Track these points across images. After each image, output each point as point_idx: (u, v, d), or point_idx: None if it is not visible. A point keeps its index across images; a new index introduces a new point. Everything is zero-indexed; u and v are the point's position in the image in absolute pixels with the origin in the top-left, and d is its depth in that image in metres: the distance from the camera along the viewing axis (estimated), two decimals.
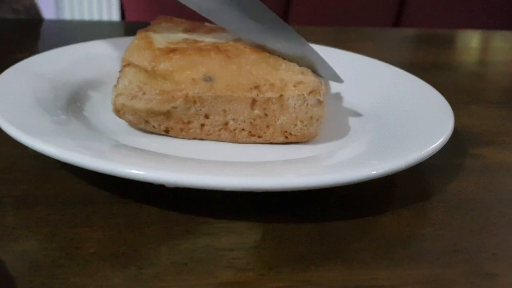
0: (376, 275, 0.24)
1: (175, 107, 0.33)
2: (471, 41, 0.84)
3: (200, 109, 0.34)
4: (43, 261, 0.24)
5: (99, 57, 0.45)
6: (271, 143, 0.35)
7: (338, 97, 0.44)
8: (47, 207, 0.28)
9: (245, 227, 0.27)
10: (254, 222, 0.28)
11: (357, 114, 0.40)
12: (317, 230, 0.28)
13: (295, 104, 0.34)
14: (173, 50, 0.35)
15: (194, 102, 0.34)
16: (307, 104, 0.34)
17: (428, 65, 0.64)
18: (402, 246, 0.27)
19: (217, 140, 0.35)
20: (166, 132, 0.35)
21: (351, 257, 0.26)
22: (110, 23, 1.00)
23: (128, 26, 0.79)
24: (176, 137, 0.35)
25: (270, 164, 0.31)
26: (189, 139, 0.35)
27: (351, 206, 0.30)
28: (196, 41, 0.37)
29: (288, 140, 0.35)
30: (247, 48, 0.36)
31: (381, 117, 0.38)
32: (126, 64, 0.35)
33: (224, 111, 0.34)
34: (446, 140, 0.32)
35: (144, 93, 0.33)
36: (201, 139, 0.35)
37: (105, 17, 1.78)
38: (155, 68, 0.34)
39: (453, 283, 0.24)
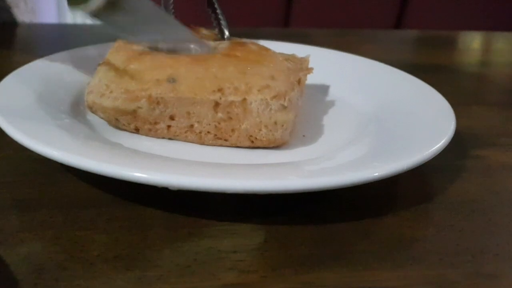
0: (379, 276, 0.25)
1: (140, 107, 0.34)
2: (472, 42, 0.84)
3: (164, 110, 0.34)
4: (47, 264, 0.24)
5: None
6: (238, 146, 0.35)
7: (339, 99, 0.44)
8: (51, 210, 0.28)
9: (248, 229, 0.28)
10: (257, 224, 0.28)
11: (358, 116, 0.40)
12: (320, 232, 0.28)
13: (258, 109, 0.33)
14: (146, 52, 0.36)
15: (158, 103, 0.34)
16: (270, 109, 0.33)
17: (429, 67, 0.64)
18: (404, 247, 0.27)
19: (185, 141, 0.35)
20: (137, 131, 0.35)
21: (354, 259, 0.26)
22: None
23: None
24: (146, 136, 0.35)
25: (273, 166, 0.32)
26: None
27: (353, 208, 0.30)
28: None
29: (255, 145, 0.34)
30: (220, 52, 0.35)
31: (382, 118, 0.38)
32: (101, 63, 0.36)
33: (188, 113, 0.34)
34: (448, 141, 0.32)
35: (111, 92, 0.34)
36: (170, 139, 0.35)
37: None
38: (127, 68, 0.35)
39: (456, 284, 0.24)
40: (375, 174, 0.27)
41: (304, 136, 0.37)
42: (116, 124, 0.35)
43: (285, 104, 0.33)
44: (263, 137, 0.34)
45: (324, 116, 0.41)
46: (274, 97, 0.33)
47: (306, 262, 0.25)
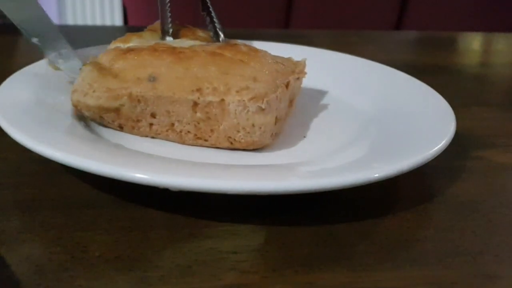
0: (379, 277, 0.25)
1: (122, 105, 0.34)
2: (472, 43, 0.84)
3: (145, 108, 0.34)
4: (49, 264, 0.24)
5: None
6: (217, 147, 0.35)
7: (339, 100, 0.44)
8: (52, 211, 0.28)
9: (248, 230, 0.28)
10: (257, 225, 0.28)
11: (359, 117, 0.41)
12: (320, 232, 0.28)
13: (235, 110, 0.33)
14: (130, 50, 0.36)
15: (139, 101, 0.34)
16: (248, 111, 0.33)
17: (430, 68, 0.64)
18: (404, 248, 0.27)
19: (167, 140, 0.35)
20: (121, 128, 0.36)
21: (354, 260, 0.26)
22: (113, 28, 1.00)
23: (131, 30, 0.79)
24: (130, 133, 0.36)
25: (273, 167, 0.32)
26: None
27: (353, 209, 0.30)
28: (160, 44, 0.37)
29: (234, 146, 0.34)
30: (204, 52, 0.35)
31: (382, 119, 0.38)
32: (86, 63, 0.36)
33: (168, 112, 0.34)
34: (448, 142, 0.32)
35: (94, 91, 0.35)
36: (152, 137, 0.36)
37: (108, 22, 1.79)
38: (112, 67, 0.35)
39: (456, 284, 0.24)
40: (375, 175, 0.27)
41: (304, 137, 0.37)
42: (101, 121, 0.36)
43: (263, 106, 0.32)
44: (242, 139, 0.33)
45: (324, 117, 0.41)
46: (252, 98, 0.32)
47: (306, 262, 0.25)
